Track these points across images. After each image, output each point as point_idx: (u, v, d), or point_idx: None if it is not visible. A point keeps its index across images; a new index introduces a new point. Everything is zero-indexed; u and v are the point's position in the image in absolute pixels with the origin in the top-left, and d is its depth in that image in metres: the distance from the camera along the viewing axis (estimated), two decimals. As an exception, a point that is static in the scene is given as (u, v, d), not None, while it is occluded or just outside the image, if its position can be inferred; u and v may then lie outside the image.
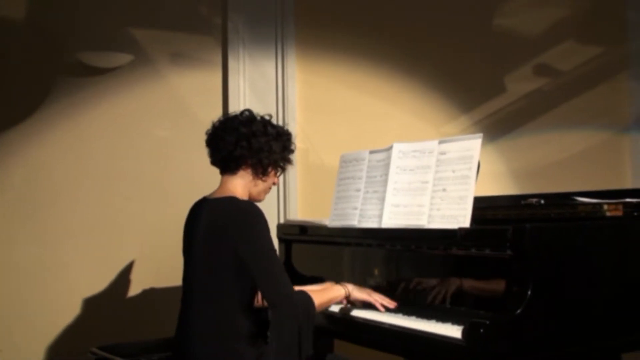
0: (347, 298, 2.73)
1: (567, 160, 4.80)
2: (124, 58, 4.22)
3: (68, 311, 4.12)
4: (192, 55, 4.33)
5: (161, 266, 4.13)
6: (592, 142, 4.88)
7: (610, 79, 5.02)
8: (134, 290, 4.19)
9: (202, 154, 2.76)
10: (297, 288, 2.54)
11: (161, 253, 4.11)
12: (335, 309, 2.77)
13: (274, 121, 2.74)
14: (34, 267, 4.09)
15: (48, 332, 4.10)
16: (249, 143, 2.62)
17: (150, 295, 4.20)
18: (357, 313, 2.70)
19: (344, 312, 2.75)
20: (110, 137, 4.23)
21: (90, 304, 4.14)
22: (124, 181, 4.22)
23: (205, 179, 3.03)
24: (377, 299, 2.71)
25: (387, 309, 2.66)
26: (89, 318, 4.13)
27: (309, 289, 2.65)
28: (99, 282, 4.15)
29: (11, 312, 4.07)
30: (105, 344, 3.34)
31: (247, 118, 2.68)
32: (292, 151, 2.76)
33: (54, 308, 4.10)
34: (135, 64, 4.24)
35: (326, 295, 2.65)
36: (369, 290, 2.76)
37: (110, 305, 4.15)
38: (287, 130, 2.77)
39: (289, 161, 2.75)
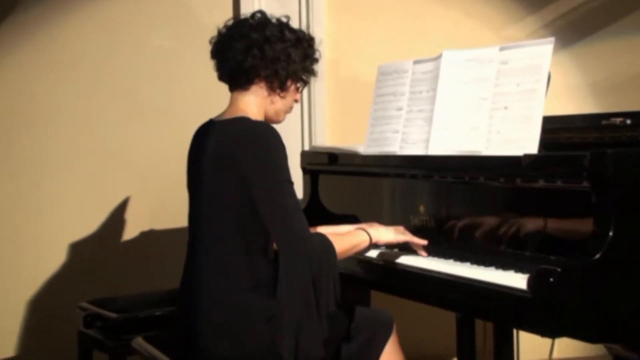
0: (376, 244, 2.71)
1: (659, 71, 4.71)
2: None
3: (52, 259, 4.21)
4: (196, -53, 4.29)
5: (163, 204, 4.18)
6: (691, 47, 4.77)
7: None
8: (131, 233, 4.26)
9: (210, 67, 2.74)
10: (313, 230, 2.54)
11: (163, 188, 4.15)
12: (372, 253, 2.77)
13: (293, 24, 2.71)
14: (12, 208, 4.14)
15: (29, 284, 4.20)
16: (261, 51, 2.59)
17: (150, 238, 4.26)
18: (398, 259, 2.70)
19: (383, 257, 2.75)
20: (100, 48, 4.25)
21: (79, 250, 4.20)
22: (117, 102, 4.25)
23: (214, 97, 3.01)
24: (415, 240, 2.72)
25: (432, 254, 2.66)
26: (77, 267, 4.21)
27: (328, 231, 2.63)
28: (88, 224, 4.23)
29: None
30: (97, 298, 3.40)
31: (259, 21, 2.65)
32: (315, 60, 2.74)
33: (36, 256, 4.18)
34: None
35: (349, 240, 2.62)
36: (401, 229, 2.75)
37: (102, 251, 4.22)
38: (309, 35, 2.74)
39: (311, 72, 2.74)
